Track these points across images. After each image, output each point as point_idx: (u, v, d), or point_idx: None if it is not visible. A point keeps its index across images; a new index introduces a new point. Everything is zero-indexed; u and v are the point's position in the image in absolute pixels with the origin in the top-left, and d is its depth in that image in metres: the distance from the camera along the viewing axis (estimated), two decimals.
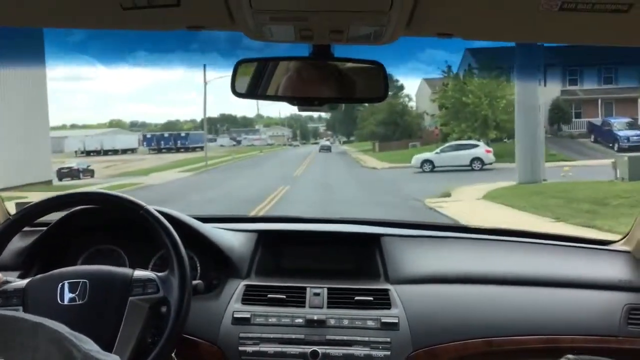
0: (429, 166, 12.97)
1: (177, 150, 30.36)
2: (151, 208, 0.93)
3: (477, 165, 12.87)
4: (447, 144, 14.50)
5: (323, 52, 0.76)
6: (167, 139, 31.49)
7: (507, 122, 15.93)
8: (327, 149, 27.99)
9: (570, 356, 0.66)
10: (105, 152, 27.47)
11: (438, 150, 13.96)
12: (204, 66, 17.02)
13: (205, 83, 17.89)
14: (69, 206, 1.03)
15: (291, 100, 0.80)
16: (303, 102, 0.82)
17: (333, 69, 0.79)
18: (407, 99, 29.31)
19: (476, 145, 13.82)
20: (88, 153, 26.79)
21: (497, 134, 16.24)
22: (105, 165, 18.07)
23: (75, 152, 26.73)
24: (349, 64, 0.79)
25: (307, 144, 40.45)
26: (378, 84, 0.77)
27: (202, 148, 34.59)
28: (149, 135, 33.07)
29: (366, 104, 31.74)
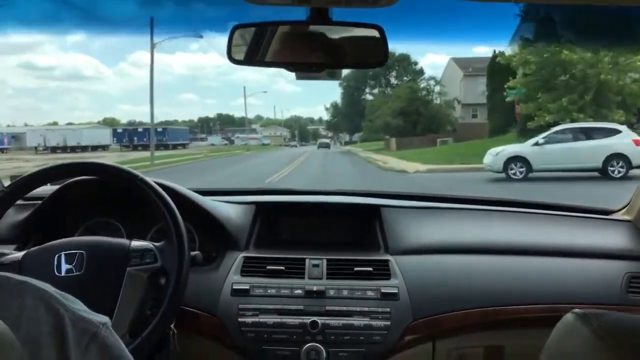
0: (520, 168, 8.81)
1: (156, 147, 31.01)
2: (147, 178, 1.09)
3: (617, 169, 8.46)
4: (555, 129, 9.72)
5: (321, 16, 0.88)
6: (141, 135, 31.45)
7: (637, 98, 11.08)
8: (325, 145, 31.05)
9: (577, 310, 0.76)
10: (73, 149, 27.60)
11: (540, 138, 9.36)
12: (151, 21, 15.26)
13: (153, 45, 16.21)
14: (63, 177, 1.19)
15: (288, 66, 0.94)
16: (301, 67, 0.97)
17: (331, 33, 0.91)
18: (432, 82, 27.19)
19: (615, 131, 9.06)
20: (54, 149, 26.88)
21: (624, 115, 10.92)
22: (39, 164, 17.61)
23: (36, 148, 26.86)
24: (348, 28, 0.92)
25: (306, 144, 43.71)
26: (377, 48, 0.90)
27: (184, 145, 35.38)
28: (119, 130, 32.95)
29: (375, 91, 30.74)
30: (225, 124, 54.70)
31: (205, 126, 54.60)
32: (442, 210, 1.40)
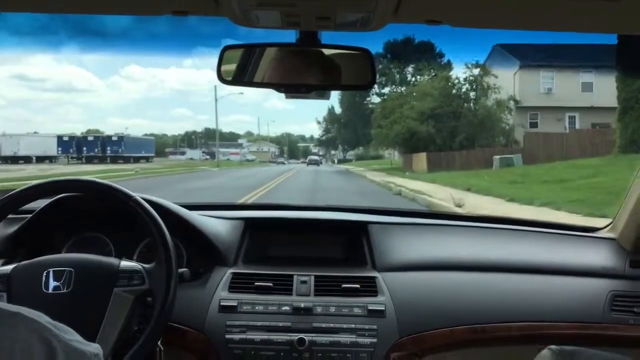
0: None
1: (113, 160, 30.78)
2: (139, 198, 1.39)
3: None
4: None
5: (310, 39, 1.16)
6: (92, 145, 32.31)
7: None
8: (314, 162, 35.96)
9: (552, 347, 1.08)
10: (14, 160, 28.46)
11: None
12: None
13: None
14: (56, 193, 1.53)
15: (278, 87, 1.25)
16: (290, 89, 1.28)
17: (320, 55, 1.22)
18: (477, 72, 23.04)
19: None
20: None
21: None
22: None
23: None
24: (337, 51, 1.22)
25: (296, 162, 49.87)
26: (365, 71, 1.21)
27: (147, 159, 36.14)
28: (66, 139, 32.53)
29: (386, 90, 26.95)
30: (212, 139, 63.78)
31: (186, 139, 64.07)
32: (429, 226, 1.79)
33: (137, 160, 33.11)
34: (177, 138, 65.59)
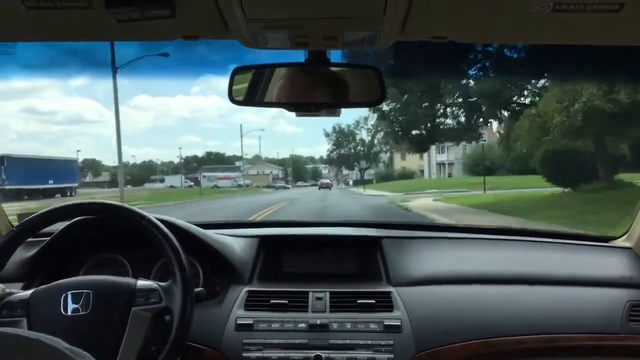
0: None
1: (18, 195, 25.27)
2: (153, 217, 1.60)
3: None
4: None
5: (319, 58, 1.39)
6: None
7: None
8: (326, 186, 39.99)
9: None
10: None
11: None
12: None
13: None
14: (72, 216, 1.79)
15: (288, 106, 1.50)
16: (299, 107, 1.54)
17: (329, 74, 1.46)
18: None
19: None
20: None
21: None
22: None
23: None
24: (345, 69, 1.48)
25: (305, 185, 53.47)
26: (374, 88, 1.47)
27: (64, 191, 31.38)
28: None
29: None
30: (214, 163, 72.39)
31: (187, 165, 71.79)
32: (443, 240, 2.05)
33: (51, 193, 28.37)
34: (173, 165, 72.41)
